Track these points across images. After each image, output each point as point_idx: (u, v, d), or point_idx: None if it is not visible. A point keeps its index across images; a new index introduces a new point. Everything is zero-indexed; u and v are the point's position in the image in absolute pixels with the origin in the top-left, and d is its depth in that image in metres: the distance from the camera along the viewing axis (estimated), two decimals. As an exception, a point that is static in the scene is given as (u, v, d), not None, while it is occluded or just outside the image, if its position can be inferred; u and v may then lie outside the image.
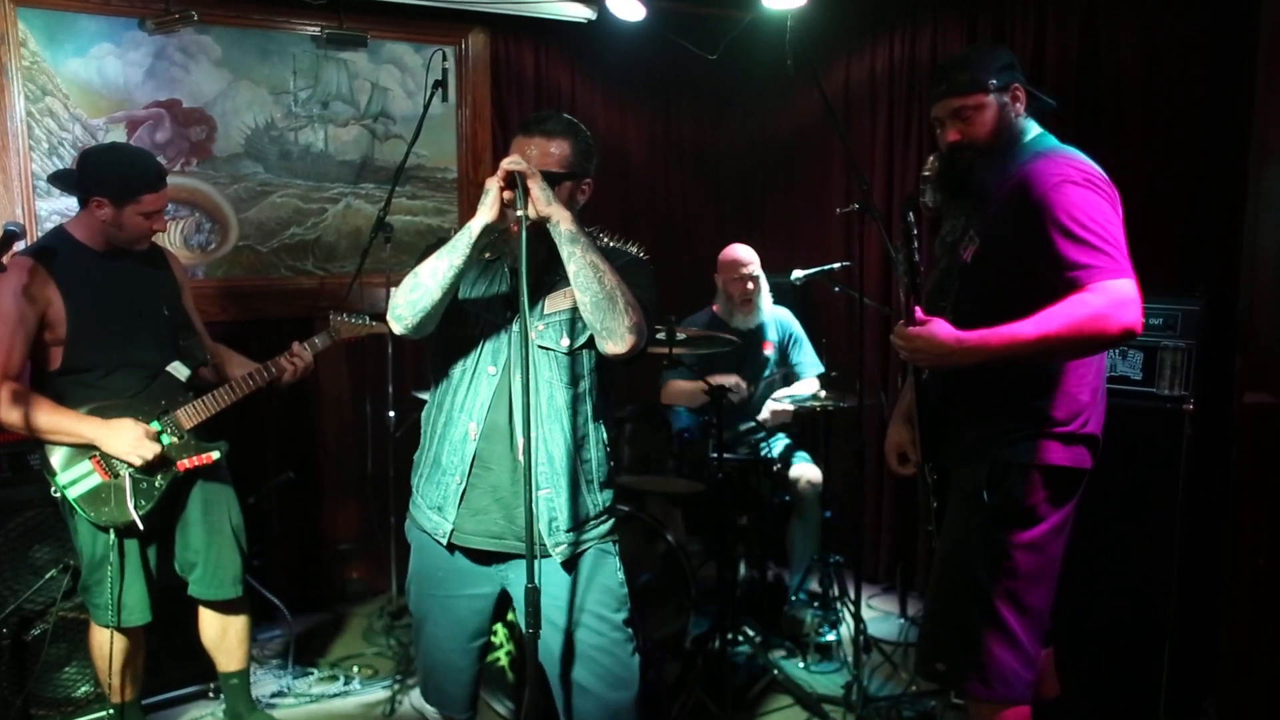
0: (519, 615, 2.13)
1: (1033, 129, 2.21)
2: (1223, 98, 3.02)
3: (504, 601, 2.23)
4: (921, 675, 2.34)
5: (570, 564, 2.12)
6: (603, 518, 2.18)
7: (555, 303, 2.09)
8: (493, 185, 1.90)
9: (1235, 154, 2.88)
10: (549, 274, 2.08)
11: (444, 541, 2.13)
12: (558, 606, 2.11)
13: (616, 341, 1.98)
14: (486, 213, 1.92)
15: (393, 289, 2.08)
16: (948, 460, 2.28)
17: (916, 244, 2.09)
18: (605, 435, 2.18)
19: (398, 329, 2.05)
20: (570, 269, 1.95)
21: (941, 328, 2.01)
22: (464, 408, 2.09)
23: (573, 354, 2.09)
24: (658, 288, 2.17)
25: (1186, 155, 3.14)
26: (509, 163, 1.89)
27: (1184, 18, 3.13)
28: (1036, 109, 2.24)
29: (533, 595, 1.89)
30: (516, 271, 2.01)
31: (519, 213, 1.86)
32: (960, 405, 2.22)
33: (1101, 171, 2.08)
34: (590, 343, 2.07)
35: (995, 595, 2.14)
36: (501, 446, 2.07)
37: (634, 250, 2.23)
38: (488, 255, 2.10)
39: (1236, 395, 2.66)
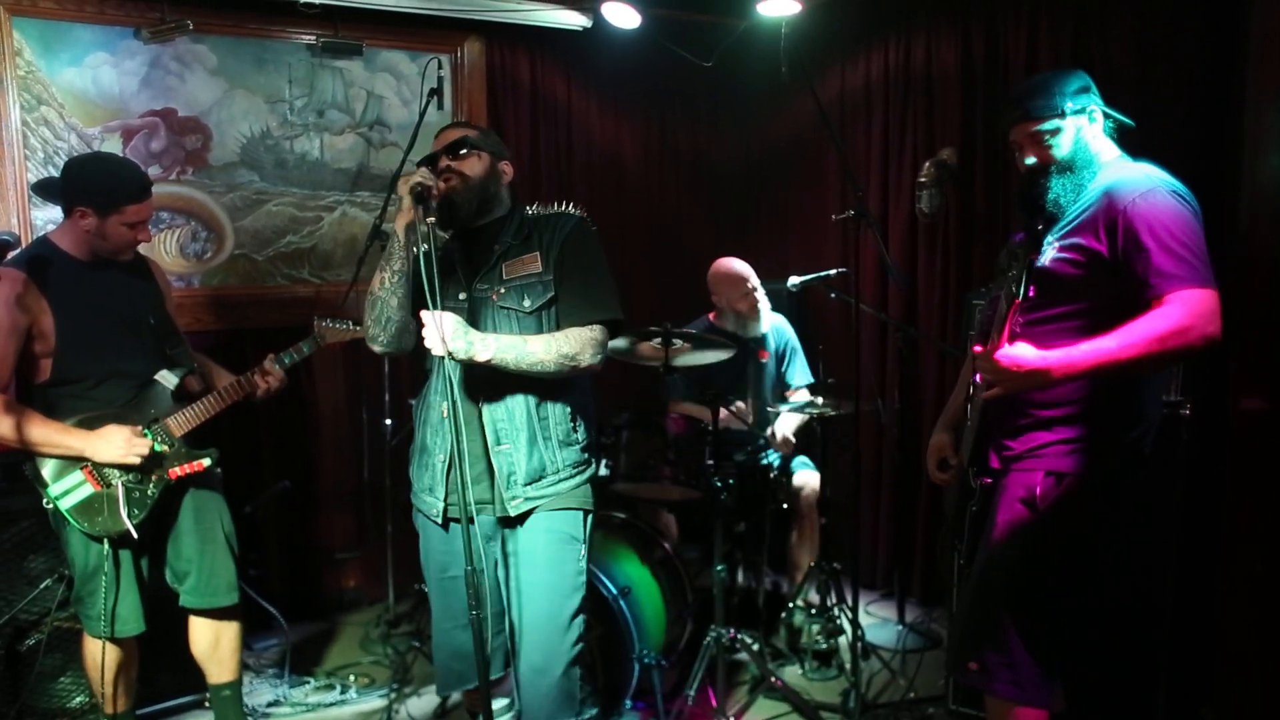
0: (501, 582, 2.30)
1: (1111, 148, 2.24)
2: (1215, 98, 3.02)
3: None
4: (953, 675, 2.35)
5: (529, 520, 2.23)
6: (561, 475, 2.25)
7: (513, 269, 2.25)
8: (405, 192, 2.11)
9: (1228, 154, 2.88)
10: (499, 243, 2.26)
11: (439, 519, 2.27)
12: (515, 569, 2.25)
13: (583, 370, 2.21)
14: (404, 217, 2.14)
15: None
16: (1001, 466, 2.27)
17: (1020, 276, 2.09)
18: (576, 397, 2.28)
19: (377, 349, 2.26)
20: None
21: (1026, 350, 1.98)
22: (437, 390, 2.26)
23: (534, 314, 2.23)
24: (601, 248, 2.31)
25: (1179, 157, 3.12)
26: (417, 179, 2.10)
27: (1175, 19, 3.13)
28: (1114, 127, 2.27)
29: (471, 578, 2.02)
30: (449, 252, 2.27)
31: (421, 226, 2.06)
32: (1020, 413, 2.21)
33: (1184, 186, 2.10)
34: (551, 303, 2.23)
35: (1033, 601, 2.17)
36: (471, 419, 2.21)
37: (572, 210, 2.34)
38: (425, 248, 2.19)
39: (1232, 400, 2.66)
